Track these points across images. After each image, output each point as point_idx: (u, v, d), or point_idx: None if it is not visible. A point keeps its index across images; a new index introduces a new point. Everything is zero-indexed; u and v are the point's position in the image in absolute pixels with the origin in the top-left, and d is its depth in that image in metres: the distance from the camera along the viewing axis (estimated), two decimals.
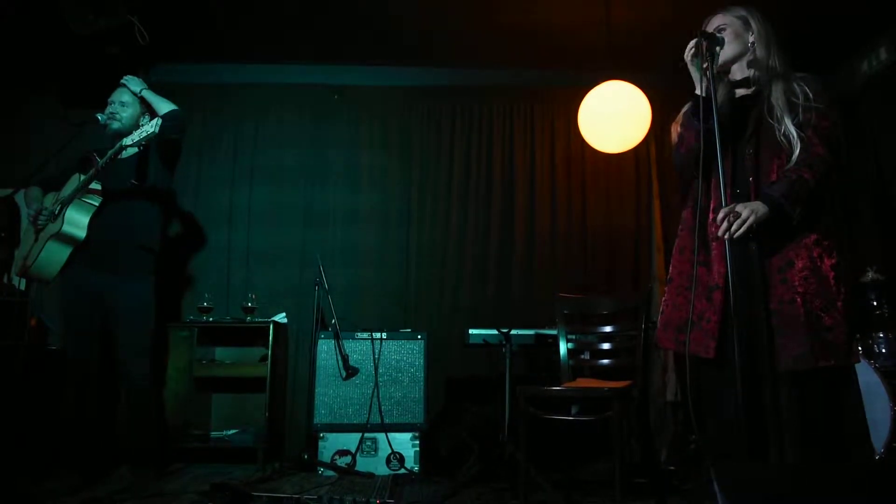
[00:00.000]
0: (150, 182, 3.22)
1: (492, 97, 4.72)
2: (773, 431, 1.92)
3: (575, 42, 4.26)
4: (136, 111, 3.31)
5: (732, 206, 1.94)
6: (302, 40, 4.37)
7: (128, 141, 2.95)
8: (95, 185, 3.12)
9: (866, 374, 3.26)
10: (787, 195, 1.96)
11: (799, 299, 1.95)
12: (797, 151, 2.02)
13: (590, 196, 4.61)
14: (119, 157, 3.08)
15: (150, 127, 2.91)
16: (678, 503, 2.89)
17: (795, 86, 2.09)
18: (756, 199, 2.02)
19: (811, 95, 2.05)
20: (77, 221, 3.04)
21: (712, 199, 2.12)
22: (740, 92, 2.21)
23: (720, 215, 1.94)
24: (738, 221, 1.92)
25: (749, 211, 1.93)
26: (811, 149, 2.02)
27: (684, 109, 2.32)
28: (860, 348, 3.44)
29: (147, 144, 3.05)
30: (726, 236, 1.93)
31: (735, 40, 2.15)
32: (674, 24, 3.86)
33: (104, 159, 3.00)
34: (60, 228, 3.00)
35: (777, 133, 2.04)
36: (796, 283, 1.97)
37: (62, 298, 3.20)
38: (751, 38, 2.16)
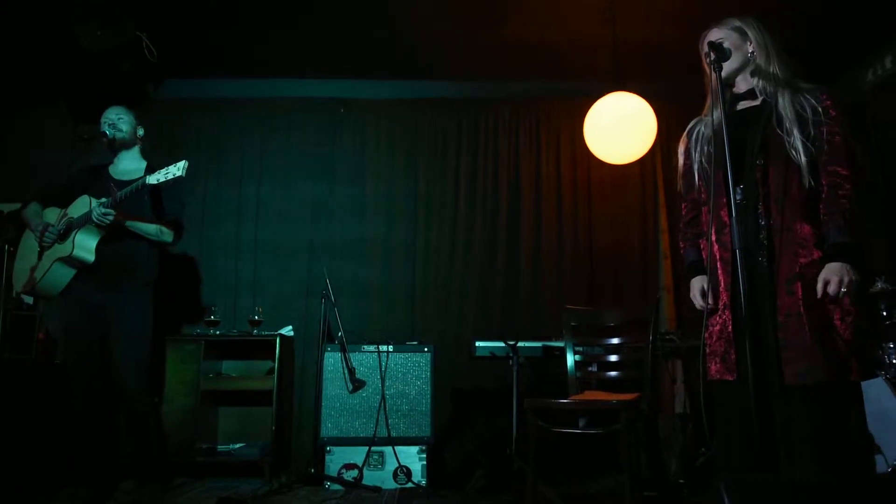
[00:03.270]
0: (167, 214, 3.25)
1: (497, 109, 4.74)
2: (783, 445, 1.91)
3: (580, 54, 4.27)
4: (132, 121, 3.34)
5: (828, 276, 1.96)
6: (308, 54, 4.40)
7: (152, 180, 2.94)
8: None
9: (876, 385, 3.23)
10: (845, 234, 1.98)
11: (805, 313, 1.94)
12: (804, 161, 2.02)
13: (596, 207, 4.61)
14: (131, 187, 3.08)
15: (178, 170, 2.90)
16: None
17: (803, 98, 2.08)
18: (766, 212, 2.04)
19: (820, 109, 2.05)
20: (87, 245, 3.05)
21: (717, 217, 2.14)
22: (745, 104, 2.21)
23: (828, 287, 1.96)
24: (841, 290, 1.95)
25: (837, 280, 1.94)
26: (833, 170, 2.03)
27: (690, 126, 2.33)
28: (868, 360, 3.41)
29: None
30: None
31: (735, 52, 2.15)
32: (679, 35, 3.87)
33: (124, 192, 3.00)
34: (71, 252, 3.01)
35: (787, 146, 2.04)
36: (803, 297, 1.96)
37: (63, 312, 3.22)
38: (749, 48, 2.16)
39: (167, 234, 3.25)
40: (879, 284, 3.63)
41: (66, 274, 3.10)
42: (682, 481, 3.35)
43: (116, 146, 3.29)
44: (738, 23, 2.19)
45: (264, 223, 4.58)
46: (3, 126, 4.59)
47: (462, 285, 4.49)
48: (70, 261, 3.05)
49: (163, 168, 2.95)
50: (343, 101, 4.72)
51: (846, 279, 1.94)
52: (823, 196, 2.04)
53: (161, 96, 4.52)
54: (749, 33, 2.17)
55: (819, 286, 1.95)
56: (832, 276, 1.94)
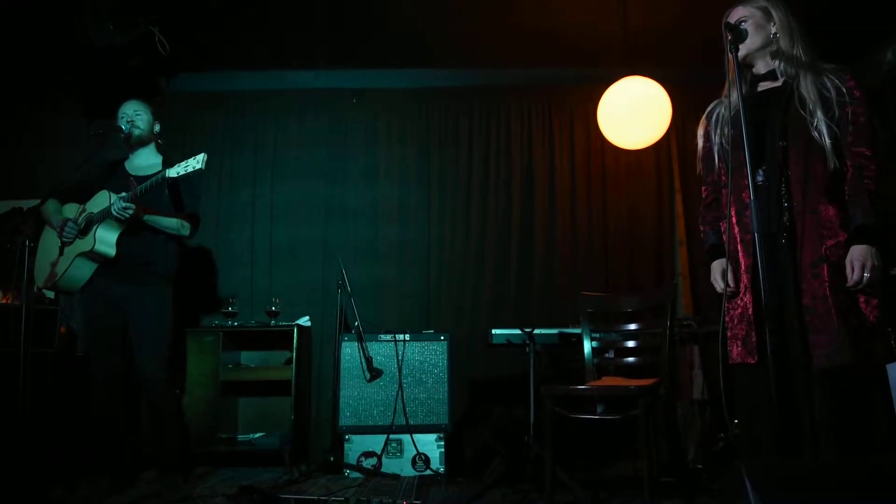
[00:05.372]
0: (186, 208, 3.28)
1: (510, 97, 4.71)
2: (807, 429, 1.90)
3: (592, 39, 4.23)
4: (149, 117, 3.35)
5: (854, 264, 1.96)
6: (320, 45, 4.39)
7: (172, 173, 2.96)
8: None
9: (893, 369, 3.20)
10: (871, 215, 1.98)
11: (831, 296, 1.93)
12: (828, 143, 2.00)
13: (610, 192, 4.58)
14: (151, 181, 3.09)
15: (197, 163, 2.91)
16: (707, 502, 2.86)
17: (826, 79, 2.06)
18: (789, 194, 2.03)
19: (844, 90, 2.03)
20: (108, 240, 3.08)
21: (738, 199, 2.13)
22: (766, 85, 2.19)
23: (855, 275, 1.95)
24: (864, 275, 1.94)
25: (861, 264, 1.94)
26: (858, 151, 2.02)
27: (710, 108, 2.31)
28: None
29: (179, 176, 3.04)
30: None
31: (757, 31, 2.13)
32: (691, 17, 3.84)
33: (143, 186, 3.02)
34: (93, 247, 3.04)
35: (810, 126, 2.02)
36: (829, 280, 1.95)
37: (84, 306, 3.26)
38: (773, 29, 2.14)
39: (185, 228, 3.27)
40: None
41: (87, 268, 3.14)
42: (700, 467, 3.35)
43: (133, 142, 3.31)
44: (763, 2, 2.16)
45: (278, 215, 4.59)
46: (18, 123, 4.63)
47: (477, 273, 4.49)
48: (92, 255, 3.08)
49: (182, 161, 2.97)
50: (355, 91, 4.72)
51: (870, 263, 1.92)
52: (848, 177, 2.03)
53: (174, 90, 4.54)
54: (773, 13, 2.14)
55: (847, 270, 1.94)
56: (857, 260, 1.93)
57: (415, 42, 4.35)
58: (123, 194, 3.03)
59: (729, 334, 2.15)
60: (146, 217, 3.12)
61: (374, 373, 3.70)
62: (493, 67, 4.69)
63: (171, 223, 3.22)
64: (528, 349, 3.46)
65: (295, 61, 4.60)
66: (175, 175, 2.95)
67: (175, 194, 3.26)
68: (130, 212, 3.01)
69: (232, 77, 4.71)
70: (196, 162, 2.92)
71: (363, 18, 4.08)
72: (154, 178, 3.02)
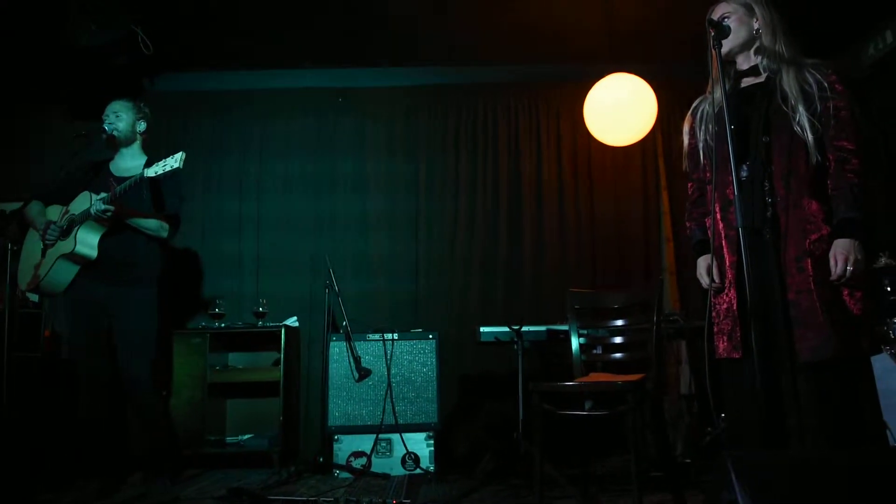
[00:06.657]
0: (167, 208, 3.25)
1: (496, 95, 4.72)
2: (793, 422, 1.91)
3: (577, 36, 4.24)
4: (131, 117, 3.33)
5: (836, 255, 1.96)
6: (305, 44, 4.38)
7: (150, 173, 2.93)
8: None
9: (882, 360, 3.23)
10: (854, 209, 1.98)
11: (816, 289, 1.94)
12: (810, 137, 2.01)
13: (597, 190, 4.60)
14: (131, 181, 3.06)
15: (175, 162, 2.89)
16: (695, 496, 2.88)
17: (808, 74, 2.07)
18: (773, 189, 2.04)
19: (825, 84, 2.04)
20: (89, 241, 3.05)
21: (722, 195, 2.14)
22: (748, 81, 2.20)
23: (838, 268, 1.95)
24: (847, 268, 1.95)
25: (844, 257, 1.94)
26: (840, 145, 2.03)
27: (695, 104, 2.32)
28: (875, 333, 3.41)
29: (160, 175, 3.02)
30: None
31: (740, 27, 2.14)
32: (676, 13, 3.86)
33: (122, 186, 2.99)
34: (74, 249, 3.02)
35: (792, 122, 2.04)
36: (813, 274, 1.96)
37: (69, 308, 3.23)
38: (756, 25, 2.15)
39: (164, 229, 3.24)
40: (883, 260, 3.63)
41: (69, 270, 3.11)
42: (688, 461, 3.37)
43: (116, 142, 3.29)
44: None
45: (266, 217, 4.57)
46: (3, 125, 4.58)
47: (465, 272, 4.49)
48: (73, 257, 3.05)
49: (160, 161, 2.94)
50: (341, 90, 4.70)
51: (853, 257, 1.94)
52: (830, 171, 2.04)
53: (158, 90, 4.51)
54: (756, 9, 2.15)
55: (831, 264, 1.95)
56: (841, 253, 1.94)
57: (400, 41, 4.35)
58: (103, 195, 3.00)
59: (715, 329, 2.16)
60: (127, 218, 3.09)
61: (363, 372, 3.69)
62: (480, 65, 4.69)
63: (150, 224, 3.19)
64: (516, 346, 3.47)
65: (280, 61, 4.58)
66: (153, 175, 2.93)
67: (156, 194, 3.23)
68: (110, 213, 2.99)
69: (216, 77, 4.68)
70: (174, 161, 2.89)
71: (348, 18, 4.06)
72: (132, 179, 3.00)
